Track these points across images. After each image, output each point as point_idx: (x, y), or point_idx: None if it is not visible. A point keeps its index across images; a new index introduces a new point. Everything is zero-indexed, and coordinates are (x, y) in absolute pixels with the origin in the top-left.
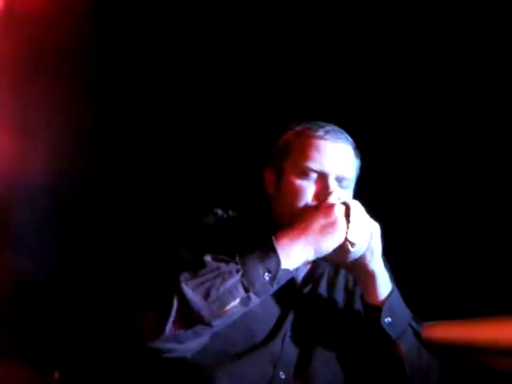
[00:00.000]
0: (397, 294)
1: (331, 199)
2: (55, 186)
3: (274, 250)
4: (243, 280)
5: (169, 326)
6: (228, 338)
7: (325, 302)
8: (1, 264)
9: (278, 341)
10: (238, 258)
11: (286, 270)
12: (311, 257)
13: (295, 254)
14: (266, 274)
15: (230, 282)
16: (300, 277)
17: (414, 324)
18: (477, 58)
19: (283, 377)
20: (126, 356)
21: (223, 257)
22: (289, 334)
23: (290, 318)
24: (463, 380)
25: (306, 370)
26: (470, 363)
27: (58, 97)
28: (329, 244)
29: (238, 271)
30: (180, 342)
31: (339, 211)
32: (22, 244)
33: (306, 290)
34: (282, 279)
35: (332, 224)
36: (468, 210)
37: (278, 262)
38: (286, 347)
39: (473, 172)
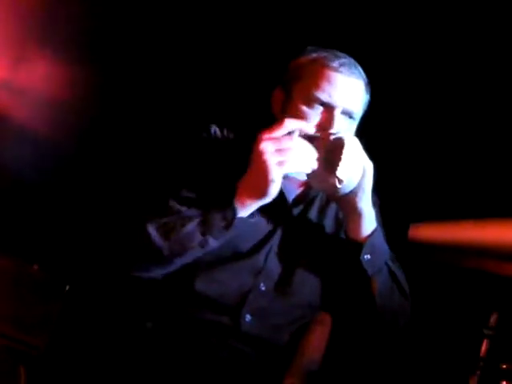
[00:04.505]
0: (380, 232)
1: (333, 131)
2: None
3: (231, 200)
4: (201, 225)
5: (136, 259)
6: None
7: (313, 226)
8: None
9: (262, 254)
10: (199, 203)
11: (241, 219)
12: (264, 200)
13: (248, 202)
14: (223, 221)
15: (189, 227)
16: (291, 197)
17: (391, 264)
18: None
19: (263, 288)
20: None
21: (189, 198)
22: (274, 249)
23: (278, 235)
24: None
25: (286, 286)
26: (454, 265)
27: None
28: (267, 189)
29: (197, 217)
30: (149, 271)
31: (266, 156)
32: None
33: (297, 210)
34: (238, 226)
35: (260, 172)
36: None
37: (234, 212)
38: (270, 261)
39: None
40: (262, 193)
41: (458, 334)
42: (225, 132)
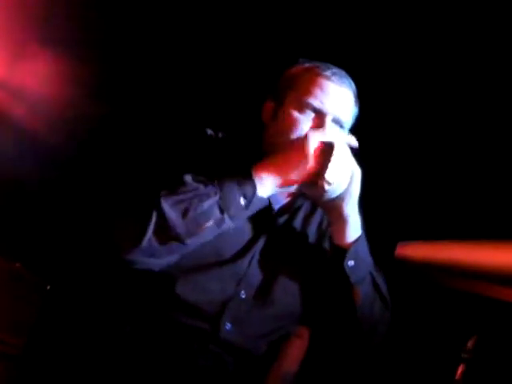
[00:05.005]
0: (364, 240)
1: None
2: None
3: (251, 177)
4: (220, 202)
5: (146, 238)
6: (197, 253)
7: (297, 235)
8: None
9: (244, 261)
10: (216, 182)
11: (261, 197)
12: (280, 185)
13: (269, 183)
14: (242, 198)
15: (207, 204)
16: (277, 207)
17: (374, 273)
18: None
19: (243, 296)
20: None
21: (203, 178)
22: (257, 257)
23: (261, 242)
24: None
25: (267, 294)
26: (437, 285)
27: None
28: (294, 175)
29: (215, 193)
30: (153, 256)
31: (312, 145)
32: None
33: (281, 220)
34: (256, 205)
35: (299, 156)
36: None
37: (254, 189)
38: (252, 269)
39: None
40: (288, 173)
41: (435, 357)
42: (219, 135)
